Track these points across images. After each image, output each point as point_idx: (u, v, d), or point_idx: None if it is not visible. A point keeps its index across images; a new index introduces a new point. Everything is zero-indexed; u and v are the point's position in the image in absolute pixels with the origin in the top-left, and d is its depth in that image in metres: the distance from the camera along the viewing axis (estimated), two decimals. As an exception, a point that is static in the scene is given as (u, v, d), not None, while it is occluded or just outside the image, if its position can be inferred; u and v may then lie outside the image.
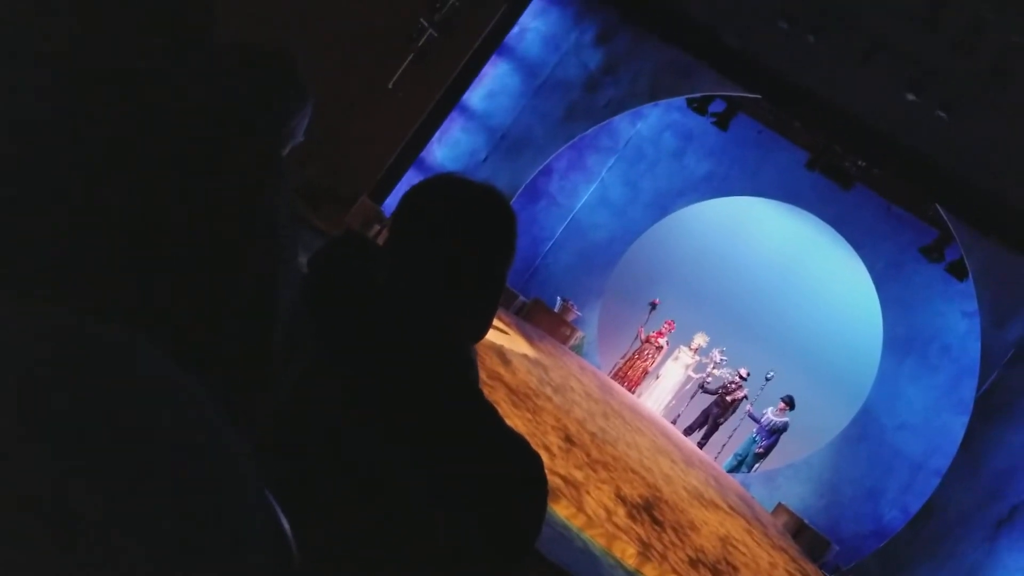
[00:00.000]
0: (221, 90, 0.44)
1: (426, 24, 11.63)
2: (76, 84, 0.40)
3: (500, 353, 8.48)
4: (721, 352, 14.73)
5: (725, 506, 9.41)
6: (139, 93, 0.42)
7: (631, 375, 14.61)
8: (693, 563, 6.66)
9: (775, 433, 13.75)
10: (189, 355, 0.40)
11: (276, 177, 0.46)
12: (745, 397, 14.34)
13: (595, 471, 6.97)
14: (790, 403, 13.76)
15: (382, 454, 1.08)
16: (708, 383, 14.62)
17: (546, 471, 1.19)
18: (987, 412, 10.91)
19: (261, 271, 0.44)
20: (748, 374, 14.38)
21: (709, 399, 14.59)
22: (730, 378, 14.51)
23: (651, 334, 14.73)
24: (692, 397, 14.67)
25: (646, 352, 14.70)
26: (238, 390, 0.43)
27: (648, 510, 7.05)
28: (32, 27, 0.40)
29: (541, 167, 13.00)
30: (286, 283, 0.45)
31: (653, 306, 14.79)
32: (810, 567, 10.01)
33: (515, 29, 12.45)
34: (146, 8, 0.43)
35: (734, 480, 12.68)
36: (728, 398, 14.37)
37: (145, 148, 0.41)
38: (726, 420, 14.38)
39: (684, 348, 14.79)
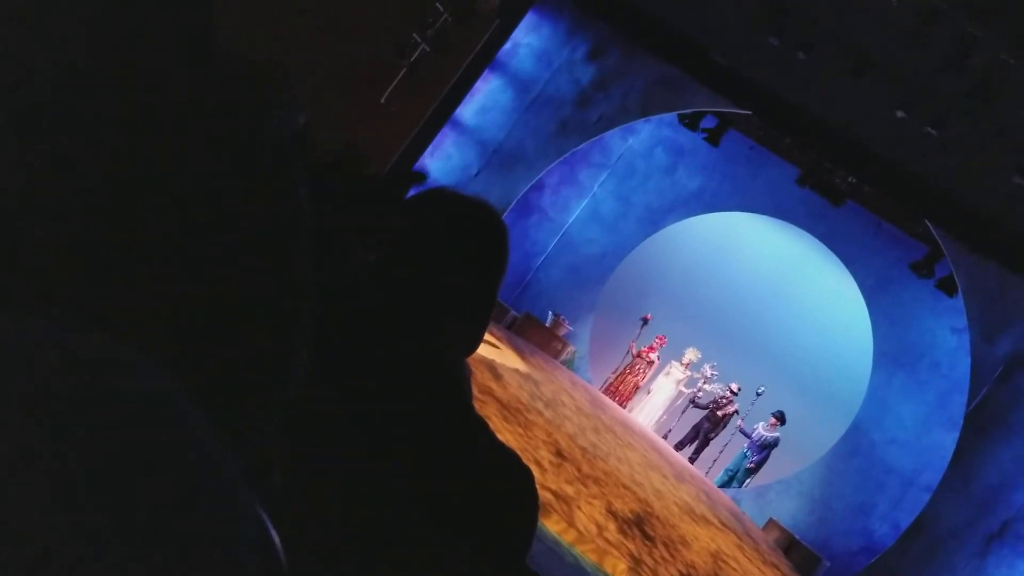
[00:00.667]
0: (226, 92, 0.44)
1: (419, 39, 11.67)
2: (80, 85, 0.40)
3: (491, 368, 8.47)
4: (712, 367, 14.74)
5: (716, 521, 9.40)
6: (144, 92, 0.42)
7: (622, 390, 14.61)
8: (684, 579, 6.64)
9: (766, 448, 13.75)
10: (194, 362, 0.40)
11: (291, 179, 0.46)
12: (736, 412, 14.35)
13: (586, 486, 6.95)
14: (781, 418, 13.77)
15: (375, 466, 1.08)
16: (699, 398, 14.62)
17: (537, 486, 1.19)
18: (977, 427, 10.94)
19: (285, 277, 0.44)
20: (739, 389, 14.40)
21: (700, 414, 14.59)
22: (721, 393, 14.52)
23: (642, 349, 14.74)
24: (683, 412, 14.68)
25: (637, 367, 14.71)
26: (244, 399, 0.43)
27: (639, 525, 7.04)
28: (33, 30, 0.40)
29: (533, 182, 13.03)
30: (310, 292, 0.45)
31: (645, 321, 14.81)
32: (801, 583, 10.00)
33: (507, 45, 12.50)
34: (147, 9, 0.43)
35: (725, 495, 12.68)
36: (719, 413, 14.38)
37: (152, 152, 0.41)
38: (717, 435, 14.39)
39: (675, 363, 14.80)
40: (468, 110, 12.65)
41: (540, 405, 8.68)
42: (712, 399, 14.52)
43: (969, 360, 11.35)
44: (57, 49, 0.40)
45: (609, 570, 5.93)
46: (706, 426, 14.40)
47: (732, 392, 14.43)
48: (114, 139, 0.40)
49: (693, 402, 14.64)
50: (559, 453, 7.29)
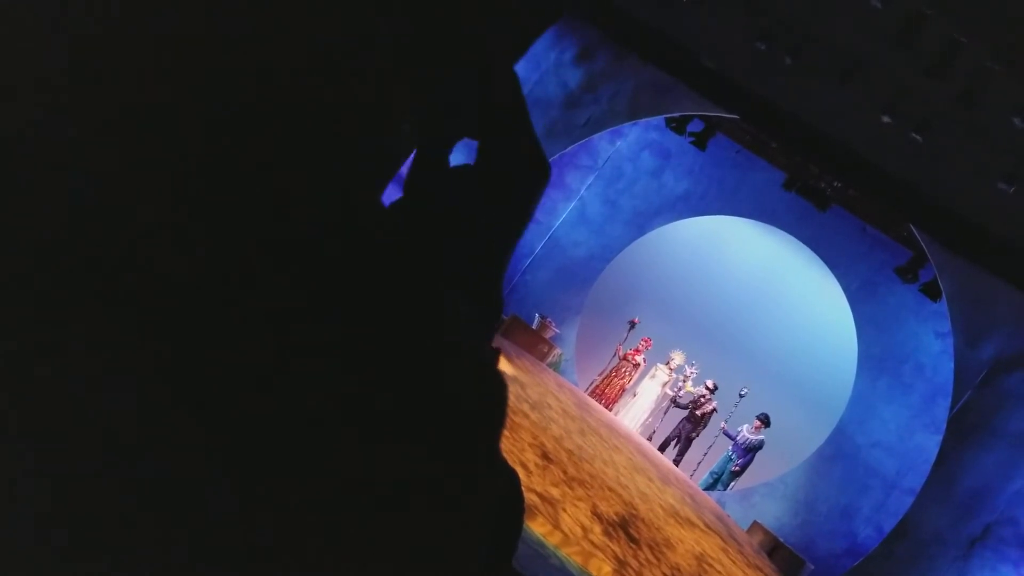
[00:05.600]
0: None
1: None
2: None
3: (477, 369, 8.43)
4: (693, 367, 14.81)
5: (701, 524, 9.42)
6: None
7: (608, 392, 14.62)
8: (669, 581, 6.65)
9: (751, 451, 13.79)
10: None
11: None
12: (715, 410, 14.39)
13: (572, 488, 6.95)
14: (765, 421, 13.81)
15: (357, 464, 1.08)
16: (680, 397, 14.67)
17: (522, 488, 1.19)
18: (960, 431, 11.00)
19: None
20: (715, 385, 14.43)
21: (681, 414, 14.63)
22: (699, 392, 14.57)
23: (628, 351, 14.76)
24: (665, 412, 14.72)
25: (623, 369, 14.72)
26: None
27: (624, 528, 7.05)
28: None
29: (520, 184, 13.02)
30: None
31: (632, 325, 14.83)
32: (785, 586, 10.02)
33: (495, 47, 12.49)
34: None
35: (710, 498, 12.70)
36: (698, 412, 14.41)
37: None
38: (698, 434, 14.41)
39: (661, 366, 14.83)
40: (456, 112, 12.63)
41: (526, 407, 8.68)
42: (692, 399, 14.57)
43: (952, 364, 11.42)
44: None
45: (594, 572, 5.93)
46: (687, 427, 14.43)
47: (708, 389, 14.46)
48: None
49: (674, 401, 14.69)
50: (545, 455, 7.29)
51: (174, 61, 0.40)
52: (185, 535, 0.36)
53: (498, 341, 12.25)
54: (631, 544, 6.81)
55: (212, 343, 0.38)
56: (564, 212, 15.05)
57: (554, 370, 13.77)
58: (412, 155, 0.65)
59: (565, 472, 7.26)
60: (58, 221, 0.37)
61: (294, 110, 0.42)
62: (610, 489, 7.87)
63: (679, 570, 7.04)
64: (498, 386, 0.48)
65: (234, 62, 0.42)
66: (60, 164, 0.38)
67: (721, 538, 9.46)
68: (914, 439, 12.47)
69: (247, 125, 0.40)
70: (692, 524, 9.06)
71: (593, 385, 14.86)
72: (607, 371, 14.86)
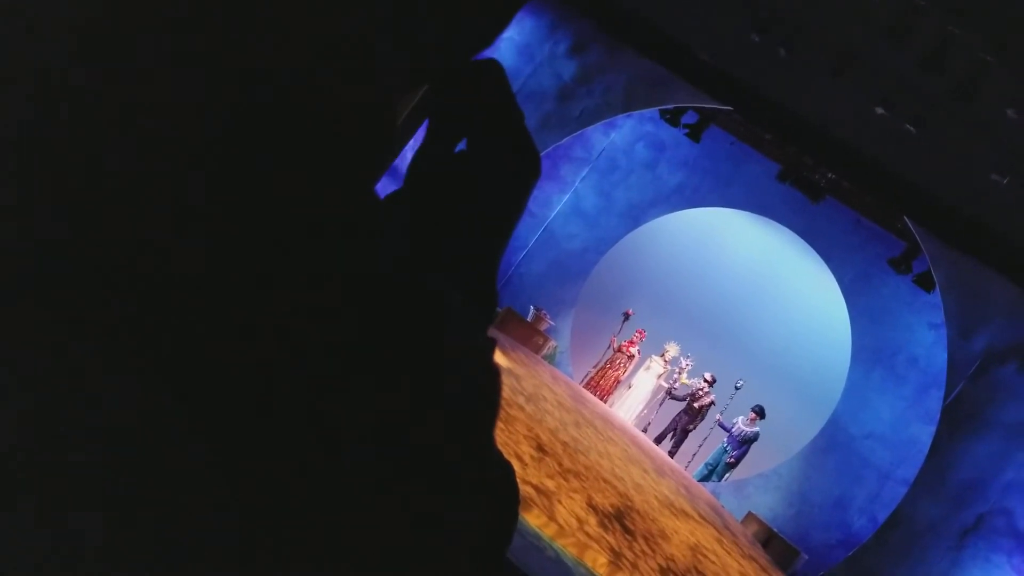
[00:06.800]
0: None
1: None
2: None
3: (472, 362, 8.43)
4: (688, 359, 14.84)
5: (696, 515, 9.45)
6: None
7: (603, 384, 14.65)
8: (664, 572, 6.68)
9: (746, 443, 13.83)
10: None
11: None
12: (712, 403, 14.43)
13: (567, 480, 6.97)
14: (760, 413, 13.85)
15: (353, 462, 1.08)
16: (676, 390, 14.70)
17: (518, 480, 1.20)
18: (953, 422, 11.05)
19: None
20: (713, 378, 14.47)
21: (678, 407, 14.67)
22: (698, 385, 14.61)
23: (623, 343, 14.79)
24: (661, 405, 14.76)
25: (618, 362, 14.75)
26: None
27: (619, 519, 7.07)
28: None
29: (515, 176, 13.02)
30: None
31: (626, 316, 14.85)
32: (779, 576, 10.06)
33: (489, 38, 12.46)
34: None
35: (705, 489, 12.74)
36: (696, 405, 14.45)
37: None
38: (695, 427, 14.46)
39: (656, 358, 14.87)
40: (450, 104, 12.60)
41: (521, 400, 8.69)
42: (689, 391, 14.60)
43: (946, 355, 11.46)
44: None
45: (589, 564, 5.95)
46: (684, 419, 14.47)
47: (706, 381, 14.50)
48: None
49: (670, 394, 14.72)
50: (540, 448, 7.31)
51: (172, 59, 0.40)
52: (183, 535, 0.36)
53: (493, 334, 12.21)
54: (626, 535, 6.83)
55: (212, 343, 0.38)
56: (558, 204, 15.05)
57: (549, 362, 13.79)
58: (407, 151, 0.66)
59: (560, 464, 7.28)
60: (57, 220, 0.37)
61: (294, 110, 0.42)
62: (605, 481, 7.89)
63: (674, 561, 7.07)
64: (493, 378, 0.48)
65: (233, 61, 0.42)
66: (58, 163, 0.38)
67: (716, 529, 9.50)
68: (908, 430, 12.51)
69: (246, 124, 0.41)
70: (687, 515, 9.09)
71: (588, 377, 14.89)
72: (602, 363, 14.88)
